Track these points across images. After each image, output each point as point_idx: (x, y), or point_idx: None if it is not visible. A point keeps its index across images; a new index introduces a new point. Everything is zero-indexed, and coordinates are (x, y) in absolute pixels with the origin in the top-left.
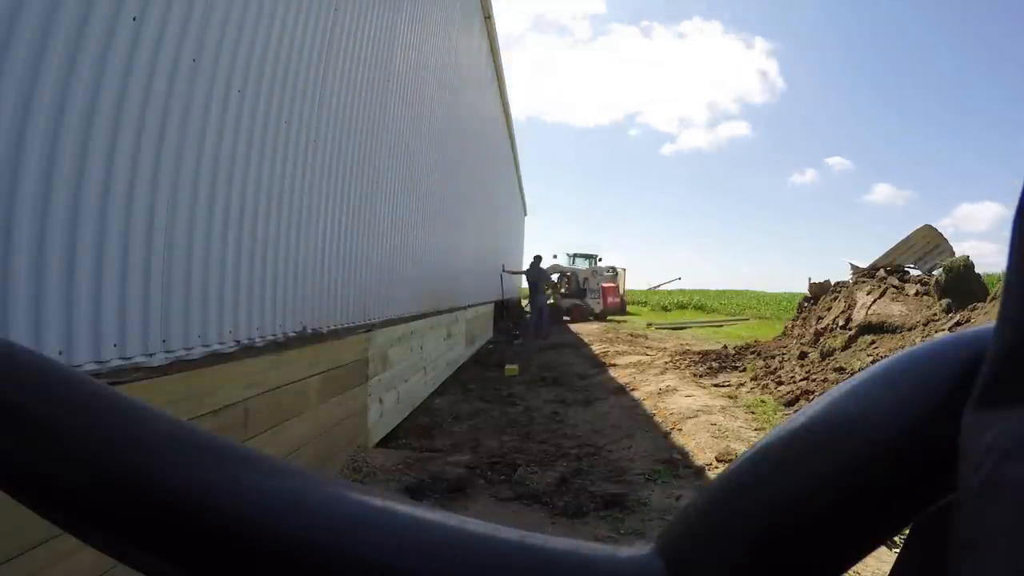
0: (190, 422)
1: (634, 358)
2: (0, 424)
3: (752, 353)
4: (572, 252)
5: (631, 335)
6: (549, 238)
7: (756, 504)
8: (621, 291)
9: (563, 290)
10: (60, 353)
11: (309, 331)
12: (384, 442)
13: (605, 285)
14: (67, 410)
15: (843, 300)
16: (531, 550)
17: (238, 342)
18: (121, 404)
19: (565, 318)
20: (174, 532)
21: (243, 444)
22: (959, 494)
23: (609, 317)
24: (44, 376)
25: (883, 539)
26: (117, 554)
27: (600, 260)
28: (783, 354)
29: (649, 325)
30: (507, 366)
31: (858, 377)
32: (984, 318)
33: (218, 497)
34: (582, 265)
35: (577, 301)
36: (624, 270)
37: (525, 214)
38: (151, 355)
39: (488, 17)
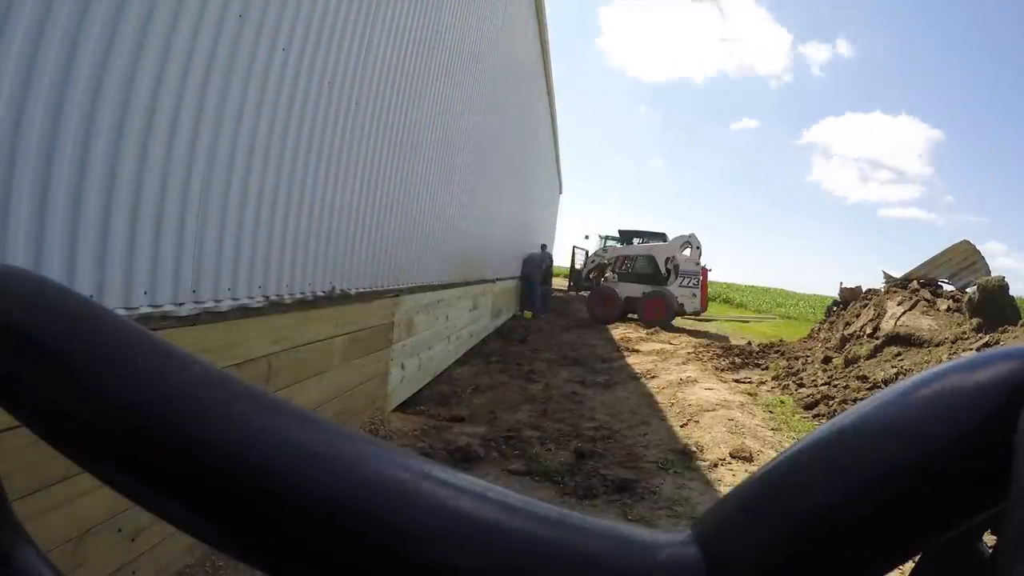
0: (225, 369)
1: (657, 346)
2: (31, 360)
3: (776, 352)
4: (604, 234)
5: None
6: (577, 212)
7: (800, 502)
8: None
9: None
10: (91, 297)
11: (337, 291)
12: (403, 407)
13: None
14: (98, 347)
15: (873, 308)
16: (571, 526)
17: (267, 298)
18: (154, 345)
19: (631, 315)
20: (199, 479)
21: (280, 396)
22: (1013, 493)
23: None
24: (76, 312)
25: (927, 546)
26: (137, 497)
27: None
28: (807, 356)
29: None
30: (525, 311)
31: (911, 381)
32: (1014, 342)
33: (250, 447)
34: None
35: (654, 289)
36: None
37: (560, 192)
38: (180, 304)
39: None
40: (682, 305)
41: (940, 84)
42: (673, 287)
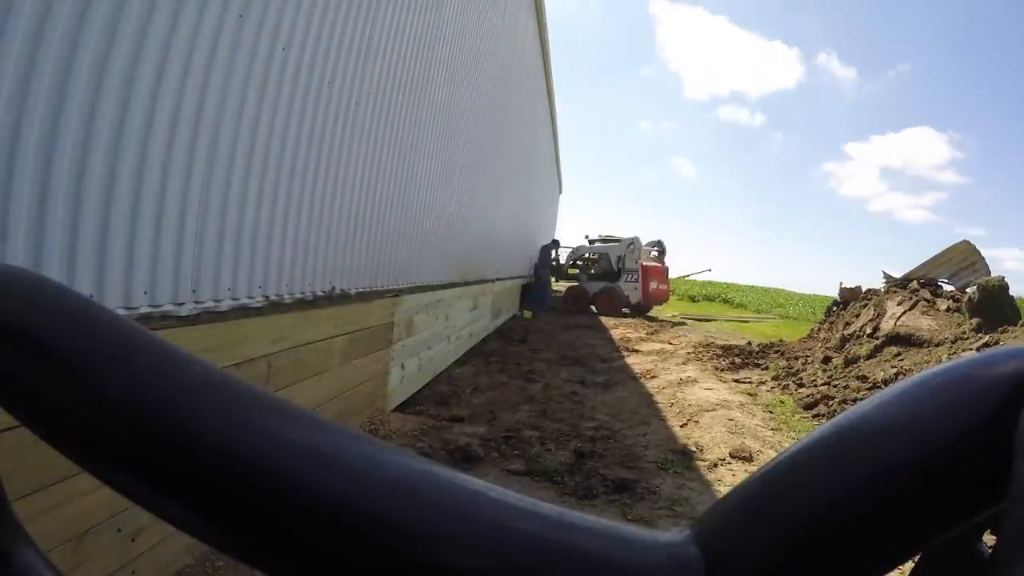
0: (226, 370)
1: (657, 346)
2: (31, 360)
3: (776, 352)
4: (592, 236)
5: (656, 323)
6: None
7: (799, 502)
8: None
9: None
10: (91, 297)
11: (337, 291)
12: (402, 407)
13: (647, 264)
14: (98, 346)
15: (873, 308)
16: (570, 525)
17: (267, 297)
18: (155, 345)
19: (591, 308)
20: (200, 479)
21: (281, 396)
22: (1013, 493)
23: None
24: (76, 311)
25: (927, 546)
26: (137, 497)
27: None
28: (807, 356)
29: (674, 315)
30: (525, 311)
31: (910, 380)
32: (1014, 342)
33: (251, 447)
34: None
35: (606, 285)
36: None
37: (560, 192)
38: (180, 304)
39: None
40: (627, 297)
41: (963, 94)
42: (622, 283)
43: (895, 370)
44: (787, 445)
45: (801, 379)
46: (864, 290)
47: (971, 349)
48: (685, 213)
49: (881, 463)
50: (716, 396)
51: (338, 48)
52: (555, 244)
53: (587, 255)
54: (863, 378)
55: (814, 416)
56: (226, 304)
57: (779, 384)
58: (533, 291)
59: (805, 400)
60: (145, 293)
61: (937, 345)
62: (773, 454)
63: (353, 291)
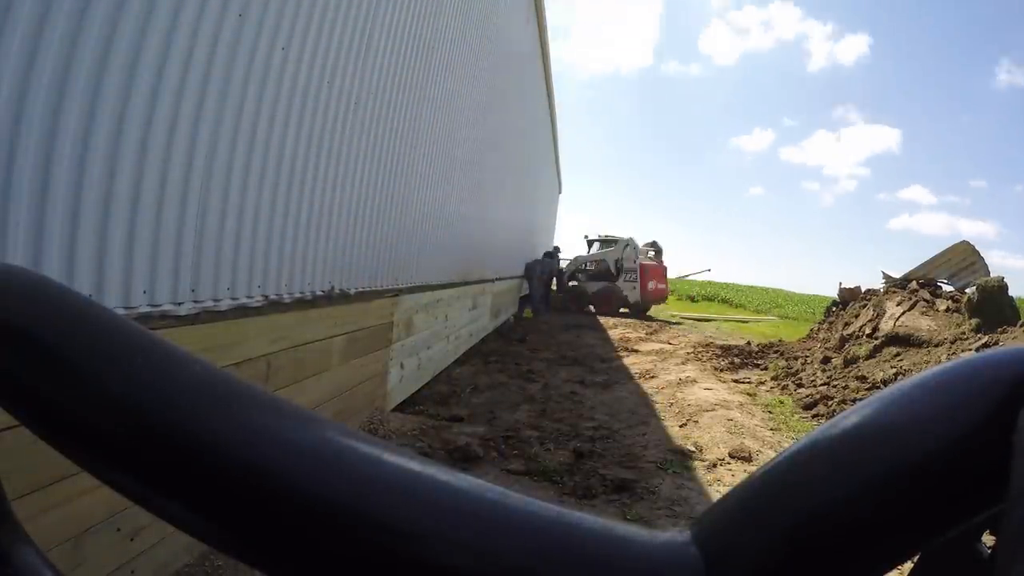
0: (225, 369)
1: (656, 346)
2: (30, 359)
3: (775, 352)
4: (591, 236)
5: (655, 323)
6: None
7: (800, 502)
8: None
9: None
10: (90, 296)
11: (337, 291)
12: (402, 407)
13: (645, 264)
14: (98, 346)
15: (872, 308)
16: (569, 525)
17: (266, 297)
18: (154, 344)
19: (589, 307)
20: (199, 479)
21: (282, 397)
22: (1012, 493)
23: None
24: (76, 311)
25: (927, 546)
26: (136, 497)
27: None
28: (806, 356)
29: (673, 315)
30: (525, 311)
31: (909, 381)
32: (1013, 343)
33: (251, 446)
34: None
35: (604, 285)
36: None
37: (560, 192)
38: (179, 304)
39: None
40: (626, 297)
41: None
42: (620, 283)
43: (894, 370)
44: (786, 445)
45: (800, 379)
46: (863, 290)
47: (971, 349)
48: (690, 216)
49: (880, 463)
50: (715, 396)
51: (338, 47)
52: (556, 251)
53: (585, 263)
54: (862, 378)
55: (813, 416)
56: (225, 303)
57: (778, 384)
58: (530, 301)
59: (804, 400)
60: (144, 292)
61: (936, 345)
62: (772, 454)
63: (352, 291)
